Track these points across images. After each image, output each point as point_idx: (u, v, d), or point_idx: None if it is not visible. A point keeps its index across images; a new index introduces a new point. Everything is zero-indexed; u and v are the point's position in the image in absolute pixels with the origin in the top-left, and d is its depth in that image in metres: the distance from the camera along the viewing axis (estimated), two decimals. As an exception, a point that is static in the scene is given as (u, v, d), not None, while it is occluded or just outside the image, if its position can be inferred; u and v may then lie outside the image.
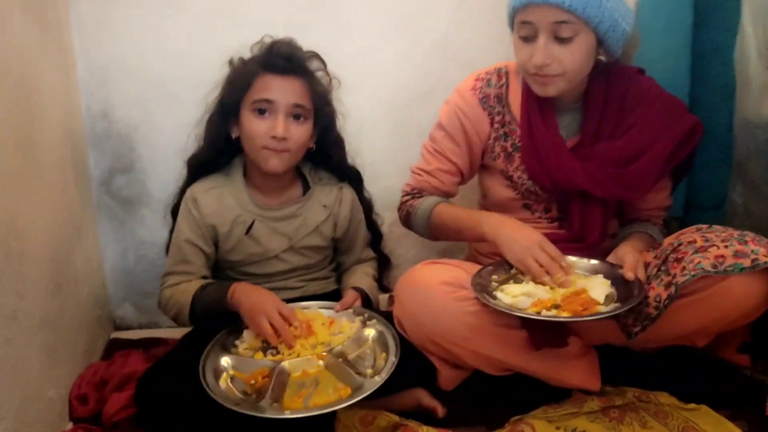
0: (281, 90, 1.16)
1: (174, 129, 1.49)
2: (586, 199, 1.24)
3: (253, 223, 1.24)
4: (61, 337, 1.19)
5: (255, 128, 1.17)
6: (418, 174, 1.35)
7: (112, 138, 1.49)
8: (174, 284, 1.21)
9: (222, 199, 1.24)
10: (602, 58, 1.22)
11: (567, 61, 1.14)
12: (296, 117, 1.19)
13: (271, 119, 1.17)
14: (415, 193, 1.35)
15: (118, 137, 1.49)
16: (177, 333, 1.39)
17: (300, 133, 1.19)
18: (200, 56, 1.45)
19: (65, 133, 1.31)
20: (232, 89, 1.20)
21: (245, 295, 1.14)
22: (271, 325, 1.09)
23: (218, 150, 1.25)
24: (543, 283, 1.13)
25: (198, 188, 1.24)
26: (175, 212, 1.28)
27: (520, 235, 1.16)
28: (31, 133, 1.11)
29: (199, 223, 1.22)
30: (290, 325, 1.11)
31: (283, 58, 1.17)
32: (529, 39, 1.15)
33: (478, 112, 1.29)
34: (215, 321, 1.16)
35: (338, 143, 1.30)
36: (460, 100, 1.30)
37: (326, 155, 1.29)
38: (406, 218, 1.36)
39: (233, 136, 1.22)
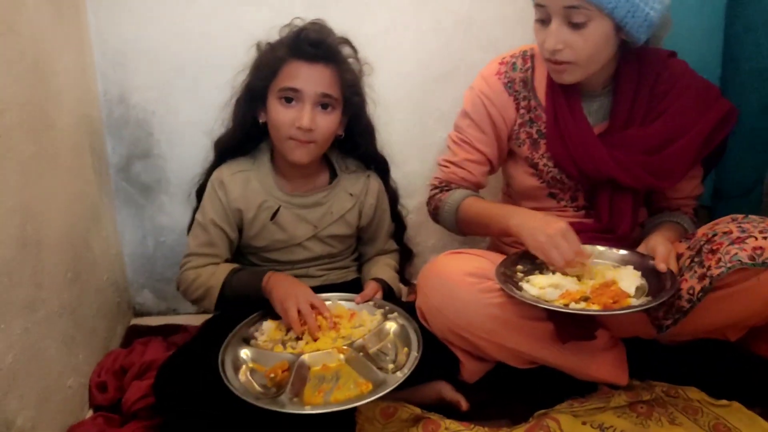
0: (309, 78, 1.13)
1: (192, 112, 1.47)
2: (615, 189, 1.20)
3: (278, 209, 1.22)
4: (79, 324, 1.18)
5: (281, 117, 1.14)
6: (445, 166, 1.32)
7: (129, 123, 1.47)
8: (198, 266, 1.18)
9: (248, 184, 1.22)
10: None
11: (579, 48, 1.09)
12: (324, 106, 1.15)
13: (297, 108, 1.13)
14: (443, 186, 1.32)
15: (136, 122, 1.47)
16: (197, 320, 1.38)
17: (327, 122, 1.16)
18: (218, 37, 1.42)
19: (82, 117, 1.30)
20: (259, 75, 1.16)
21: (279, 281, 1.13)
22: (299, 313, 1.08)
23: (246, 135, 1.22)
24: (563, 274, 1.10)
25: (225, 171, 1.22)
26: (200, 193, 1.25)
27: (544, 225, 1.12)
28: (46, 118, 1.09)
29: (225, 206, 1.20)
30: (321, 315, 1.10)
31: (311, 45, 1.13)
32: (544, 22, 1.11)
33: (504, 98, 1.25)
34: (237, 309, 1.14)
35: (368, 131, 1.26)
36: (485, 85, 1.26)
37: (355, 143, 1.26)
38: (435, 212, 1.33)
39: (260, 121, 1.19)
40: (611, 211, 1.22)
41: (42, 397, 1.00)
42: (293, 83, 1.12)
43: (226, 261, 1.22)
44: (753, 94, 1.37)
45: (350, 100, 1.18)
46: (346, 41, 1.19)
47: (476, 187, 1.32)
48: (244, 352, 1.06)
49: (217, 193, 1.20)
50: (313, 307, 1.10)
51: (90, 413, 1.17)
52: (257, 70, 1.17)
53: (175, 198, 1.53)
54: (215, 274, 1.16)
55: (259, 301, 1.14)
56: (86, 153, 1.31)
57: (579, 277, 1.10)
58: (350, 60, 1.20)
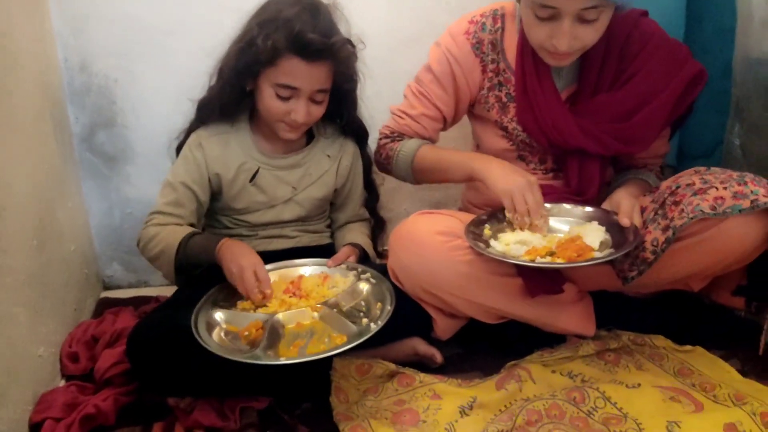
0: (308, 77, 1.11)
1: (156, 80, 1.44)
2: (584, 155, 1.20)
3: (257, 171, 1.21)
4: (48, 294, 1.16)
5: (275, 107, 1.14)
6: (400, 117, 1.30)
7: (92, 92, 1.44)
8: (161, 223, 1.16)
9: (227, 145, 1.21)
10: None
11: (589, 39, 1.08)
12: (317, 99, 1.15)
13: (292, 101, 1.13)
14: (395, 136, 1.31)
15: (98, 90, 1.44)
16: (168, 291, 1.37)
17: (319, 111, 1.17)
18: (181, 1, 1.39)
19: (42, 85, 1.26)
20: (254, 58, 1.10)
21: (230, 248, 1.11)
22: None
23: (233, 102, 1.19)
24: (521, 226, 1.11)
25: (204, 133, 1.21)
26: (180, 150, 1.23)
27: (514, 171, 1.13)
28: (3, 81, 1.06)
29: (201, 169, 1.19)
30: (264, 291, 1.08)
31: (315, 46, 1.08)
32: (546, 19, 1.06)
33: (471, 60, 1.23)
34: (205, 277, 1.13)
35: (353, 104, 1.26)
36: (453, 45, 1.24)
37: (338, 113, 1.25)
38: (386, 162, 1.31)
39: (247, 88, 1.17)
40: (580, 177, 1.22)
41: (11, 364, 0.98)
42: (292, 82, 1.11)
43: (191, 225, 1.19)
44: (716, 54, 1.38)
45: (341, 86, 1.18)
46: (349, 42, 1.15)
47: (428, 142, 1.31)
48: (218, 315, 1.06)
49: (194, 154, 1.19)
50: (257, 278, 1.07)
51: (62, 383, 1.15)
52: (251, 53, 1.10)
53: (142, 169, 1.50)
54: (174, 233, 1.13)
55: (214, 268, 1.11)
56: (47, 121, 1.28)
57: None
58: (349, 53, 1.16)
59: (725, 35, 1.36)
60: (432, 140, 1.32)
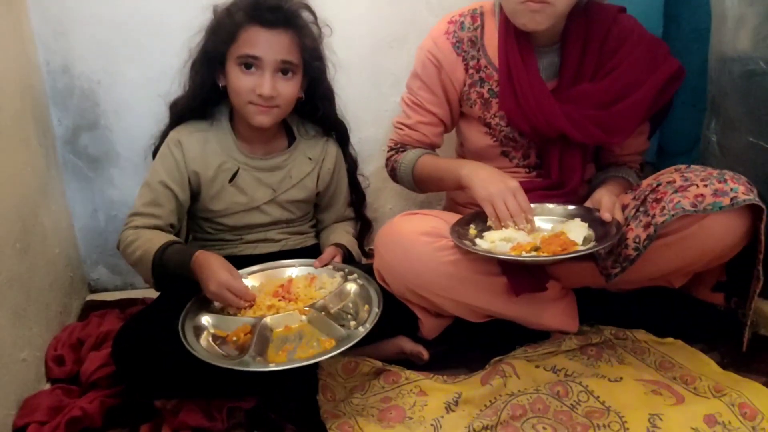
0: (269, 45, 1.11)
1: (139, 81, 1.43)
2: (564, 145, 1.22)
3: (237, 171, 1.21)
4: (32, 298, 1.15)
5: (241, 84, 1.13)
6: (399, 128, 1.33)
7: (75, 94, 1.43)
8: (139, 226, 1.15)
9: (207, 144, 1.20)
10: None
11: None
12: (284, 72, 1.14)
13: (257, 75, 1.12)
14: (398, 147, 1.33)
15: (81, 93, 1.43)
16: (153, 293, 1.35)
17: (288, 89, 1.15)
18: (163, 1, 1.39)
19: (23, 87, 1.25)
20: (217, 39, 1.13)
21: (199, 268, 1.07)
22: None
23: (204, 98, 1.20)
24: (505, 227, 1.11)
25: (183, 131, 1.20)
26: (156, 153, 1.22)
27: (496, 179, 1.14)
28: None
29: (179, 167, 1.18)
30: (246, 300, 1.07)
31: (270, 10, 1.11)
32: None
33: (453, 58, 1.25)
34: (189, 280, 1.12)
35: (327, 95, 1.26)
36: (434, 46, 1.26)
37: (314, 107, 1.25)
38: (393, 173, 1.35)
39: (220, 84, 1.17)
40: (561, 168, 1.24)
41: (-6, 368, 0.98)
42: (252, 50, 1.11)
43: (171, 226, 1.18)
44: (693, 53, 1.40)
45: (310, 64, 1.18)
46: (306, 5, 1.17)
47: (431, 147, 1.34)
48: (206, 319, 1.06)
49: (173, 153, 1.18)
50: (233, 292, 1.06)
51: (47, 387, 1.15)
52: (214, 35, 1.14)
53: (125, 171, 1.50)
54: (152, 240, 1.12)
55: (190, 280, 1.09)
56: (29, 123, 1.27)
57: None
58: (310, 24, 1.18)
59: (702, 35, 1.37)
60: (435, 145, 1.34)
